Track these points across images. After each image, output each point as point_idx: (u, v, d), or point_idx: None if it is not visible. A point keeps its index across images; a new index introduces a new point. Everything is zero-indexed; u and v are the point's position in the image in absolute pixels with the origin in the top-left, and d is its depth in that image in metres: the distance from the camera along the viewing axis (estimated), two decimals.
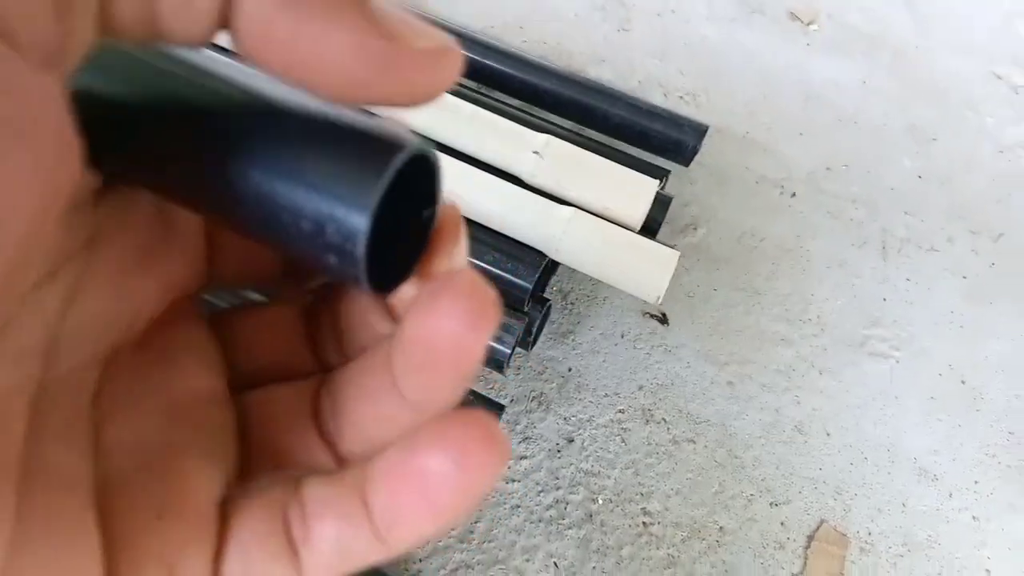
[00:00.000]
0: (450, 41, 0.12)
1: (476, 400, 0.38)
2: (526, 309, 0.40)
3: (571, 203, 0.41)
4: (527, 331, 0.41)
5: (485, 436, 0.13)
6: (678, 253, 0.39)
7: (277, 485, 0.14)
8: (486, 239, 0.40)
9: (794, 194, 0.52)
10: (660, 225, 0.43)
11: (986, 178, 0.54)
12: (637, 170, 0.42)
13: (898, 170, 0.54)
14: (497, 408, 0.38)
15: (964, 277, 0.50)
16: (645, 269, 0.39)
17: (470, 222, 0.40)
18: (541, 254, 0.40)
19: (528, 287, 0.39)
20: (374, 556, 0.14)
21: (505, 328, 0.38)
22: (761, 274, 0.49)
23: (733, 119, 0.54)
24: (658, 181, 0.41)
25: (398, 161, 0.12)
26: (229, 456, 0.15)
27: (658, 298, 0.39)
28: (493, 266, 0.39)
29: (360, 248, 0.12)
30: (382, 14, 0.12)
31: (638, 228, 0.41)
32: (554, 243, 0.39)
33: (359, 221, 0.12)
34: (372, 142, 0.12)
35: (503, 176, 0.41)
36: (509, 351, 0.38)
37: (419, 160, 0.13)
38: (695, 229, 0.50)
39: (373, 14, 0.12)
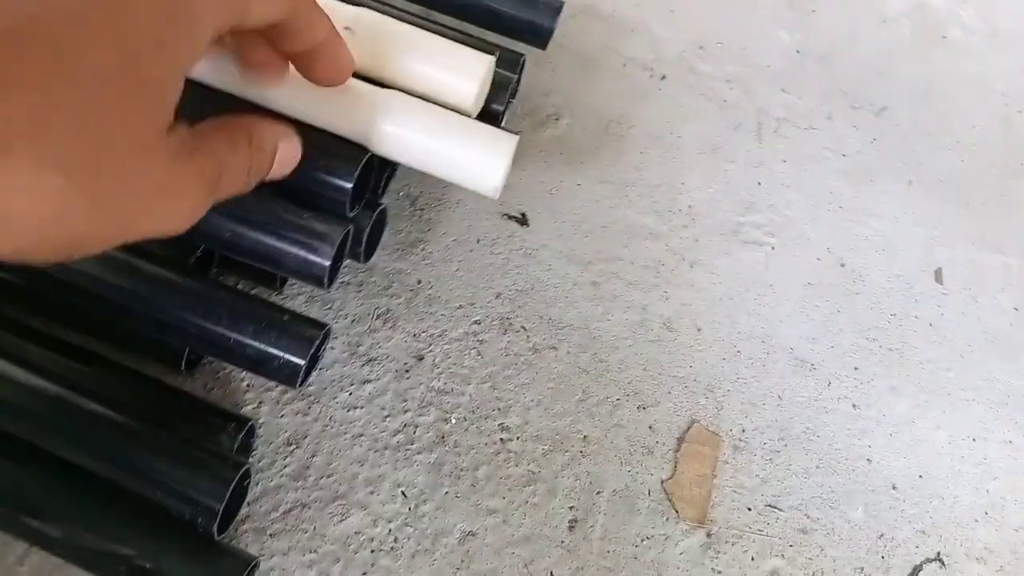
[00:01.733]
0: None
1: (297, 322, 0.33)
2: (351, 214, 0.35)
3: (393, 86, 0.35)
4: (355, 240, 0.36)
5: None
6: (517, 136, 0.35)
7: None
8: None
9: (664, 76, 0.48)
10: (503, 112, 0.38)
11: (868, 51, 0.51)
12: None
13: (775, 46, 0.50)
14: (318, 328, 0.33)
15: (844, 155, 0.47)
16: (478, 157, 0.34)
17: (279, 116, 0.35)
18: (361, 148, 0.34)
19: (347, 187, 0.34)
20: None
21: (319, 236, 0.33)
22: (629, 165, 0.45)
23: None
24: (492, 56, 0.36)
25: None
26: None
27: (496, 190, 0.34)
28: (305, 165, 0.33)
29: None
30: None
31: (474, 113, 0.36)
32: (373, 133, 0.34)
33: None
34: None
35: None
36: (328, 262, 0.33)
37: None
38: (557, 120, 0.46)
39: None
